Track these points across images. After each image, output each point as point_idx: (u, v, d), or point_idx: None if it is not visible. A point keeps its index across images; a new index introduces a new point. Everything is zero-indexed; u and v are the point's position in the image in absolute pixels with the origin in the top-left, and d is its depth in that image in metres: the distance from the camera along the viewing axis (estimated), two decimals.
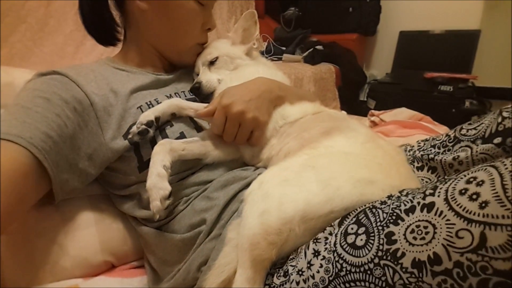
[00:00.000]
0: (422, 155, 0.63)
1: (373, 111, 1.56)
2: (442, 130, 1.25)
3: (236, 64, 0.79)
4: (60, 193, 0.57)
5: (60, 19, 1.32)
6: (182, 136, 0.65)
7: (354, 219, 0.42)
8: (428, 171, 0.61)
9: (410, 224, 0.35)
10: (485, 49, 2.44)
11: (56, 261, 0.62)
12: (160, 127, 0.65)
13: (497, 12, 2.44)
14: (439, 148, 0.61)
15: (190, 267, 0.56)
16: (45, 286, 0.60)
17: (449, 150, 0.59)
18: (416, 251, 0.33)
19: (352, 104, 2.54)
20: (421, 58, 2.69)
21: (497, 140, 0.50)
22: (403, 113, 1.47)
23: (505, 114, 0.51)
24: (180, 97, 0.73)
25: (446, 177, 0.39)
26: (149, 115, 0.62)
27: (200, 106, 0.67)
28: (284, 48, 2.46)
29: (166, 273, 0.60)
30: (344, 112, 1.66)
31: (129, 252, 0.71)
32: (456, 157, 0.55)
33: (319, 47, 2.39)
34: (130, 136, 0.61)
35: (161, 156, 0.57)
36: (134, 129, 0.61)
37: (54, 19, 1.31)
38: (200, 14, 0.73)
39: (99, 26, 0.74)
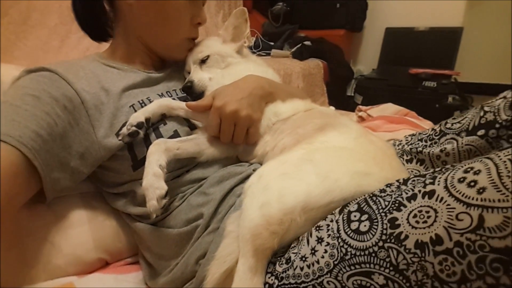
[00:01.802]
0: (410, 149, 0.66)
1: (360, 106, 1.59)
2: (426, 125, 1.29)
3: (227, 63, 0.79)
4: (51, 192, 0.56)
5: (43, 12, 1.28)
6: (176, 134, 0.65)
7: (356, 207, 0.44)
8: (416, 163, 0.65)
9: (413, 210, 0.37)
10: (467, 46, 2.52)
11: (49, 259, 0.62)
12: (151, 127, 0.65)
13: (479, 10, 2.51)
14: (426, 142, 0.65)
15: (188, 260, 0.56)
16: (39, 284, 0.59)
17: (435, 143, 0.62)
18: (419, 233, 0.35)
19: (339, 99, 2.57)
20: (406, 54, 2.76)
21: (481, 132, 0.55)
22: (389, 108, 1.50)
23: (486, 108, 0.56)
24: (171, 95, 0.73)
25: (444, 167, 0.42)
26: (139, 116, 0.62)
27: None
28: (272, 43, 2.47)
29: (163, 267, 0.61)
30: (332, 108, 1.69)
31: (123, 248, 0.71)
32: (443, 149, 0.59)
33: (307, 42, 2.40)
34: (120, 138, 0.61)
35: (157, 156, 0.57)
36: (124, 130, 0.61)
37: (37, 12, 1.27)
38: (188, 7, 0.72)
39: (92, 22, 0.73)
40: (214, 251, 0.52)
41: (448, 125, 0.62)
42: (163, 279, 0.59)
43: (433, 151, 0.61)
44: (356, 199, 0.45)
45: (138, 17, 0.70)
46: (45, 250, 0.62)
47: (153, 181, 0.54)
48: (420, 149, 0.64)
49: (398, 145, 0.71)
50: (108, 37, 0.77)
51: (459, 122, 0.60)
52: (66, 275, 0.63)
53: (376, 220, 0.40)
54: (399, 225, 0.37)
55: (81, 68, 0.65)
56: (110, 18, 0.75)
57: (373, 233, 0.39)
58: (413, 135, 0.70)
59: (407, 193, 0.39)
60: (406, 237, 0.36)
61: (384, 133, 1.20)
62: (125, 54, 0.74)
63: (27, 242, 0.61)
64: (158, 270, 0.62)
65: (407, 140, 0.70)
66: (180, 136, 0.65)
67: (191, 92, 0.73)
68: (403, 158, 0.67)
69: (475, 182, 0.34)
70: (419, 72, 2.37)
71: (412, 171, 0.64)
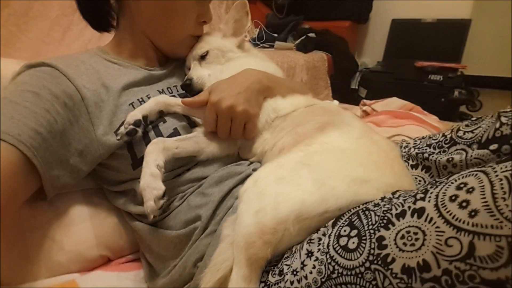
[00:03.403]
0: (417, 154, 0.63)
1: (364, 100, 1.57)
2: (432, 120, 1.27)
3: (228, 58, 0.77)
4: (51, 189, 0.56)
5: (45, 3, 1.27)
6: (175, 132, 0.64)
7: (347, 221, 0.42)
8: (422, 170, 0.62)
9: (401, 230, 0.35)
10: (475, 39, 2.47)
11: (51, 256, 0.62)
12: (149, 125, 0.64)
13: (487, 2, 2.45)
14: (434, 148, 0.61)
15: (186, 263, 0.56)
16: (41, 281, 0.60)
17: (444, 151, 0.59)
18: (406, 257, 0.33)
19: (343, 92, 2.55)
20: (412, 47, 2.71)
21: (493, 146, 0.51)
22: (394, 103, 1.48)
23: (503, 119, 0.50)
24: (172, 92, 0.72)
25: (437, 179, 0.39)
26: (136, 114, 0.61)
27: None
28: (276, 35, 2.44)
29: (162, 268, 0.61)
30: (336, 102, 1.67)
31: (125, 245, 0.71)
32: (451, 159, 0.56)
33: (311, 34, 2.37)
34: (118, 137, 0.60)
35: (154, 156, 0.56)
36: (122, 129, 0.60)
37: (38, 3, 1.26)
38: (195, 5, 0.71)
39: (93, 11, 0.72)
40: (212, 254, 0.52)
41: (460, 133, 0.57)
42: (162, 280, 0.59)
43: (439, 160, 0.58)
44: (350, 211, 0.44)
45: (144, 13, 0.69)
46: (47, 247, 0.62)
47: (151, 182, 0.54)
48: (427, 155, 0.61)
49: (405, 147, 0.67)
50: (109, 28, 0.76)
51: (472, 132, 0.56)
52: (68, 272, 0.63)
53: (364, 238, 0.38)
54: (386, 246, 0.35)
55: (82, 63, 0.64)
56: (112, 8, 0.73)
57: (361, 252, 0.37)
58: (423, 138, 0.66)
59: (396, 209, 0.37)
60: (393, 260, 0.34)
61: (389, 128, 1.19)
62: (130, 48, 0.73)
63: (28, 239, 0.61)
64: (157, 271, 0.62)
65: (415, 143, 0.67)
66: (180, 134, 0.64)
67: (190, 90, 0.72)
68: (408, 163, 0.64)
69: (467, 202, 0.31)
70: (425, 65, 2.33)
71: (416, 178, 0.62)
